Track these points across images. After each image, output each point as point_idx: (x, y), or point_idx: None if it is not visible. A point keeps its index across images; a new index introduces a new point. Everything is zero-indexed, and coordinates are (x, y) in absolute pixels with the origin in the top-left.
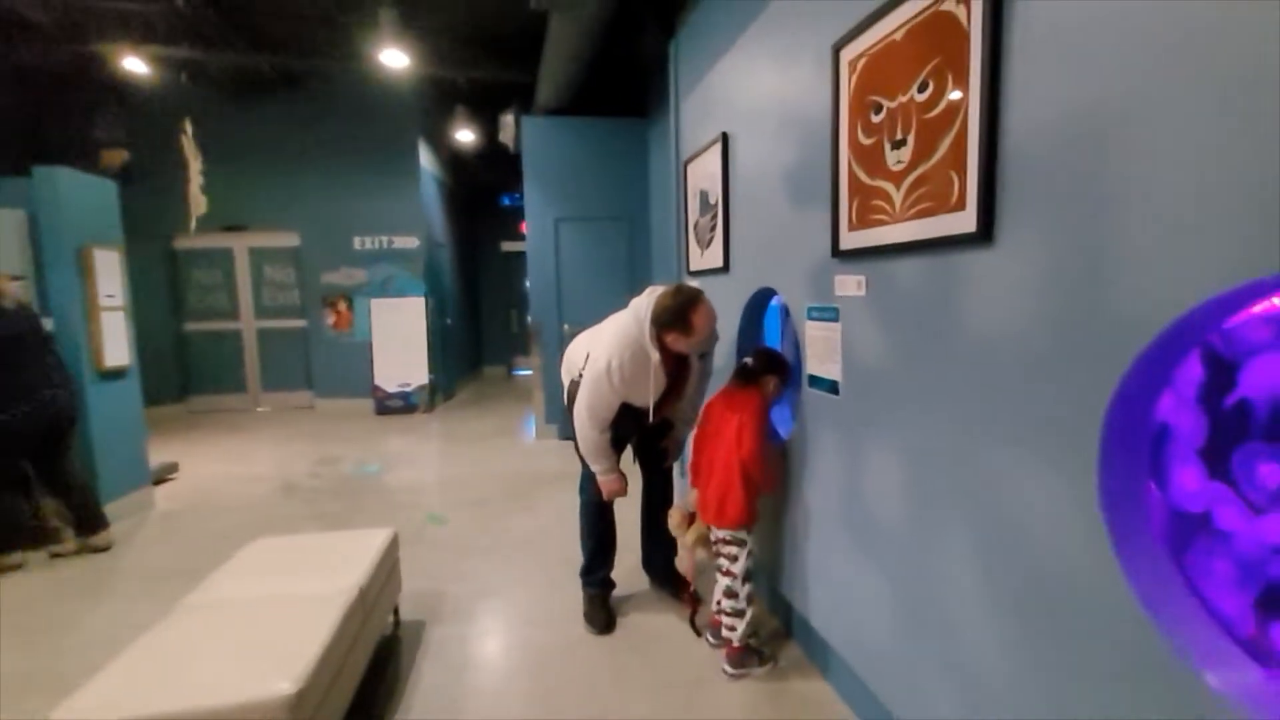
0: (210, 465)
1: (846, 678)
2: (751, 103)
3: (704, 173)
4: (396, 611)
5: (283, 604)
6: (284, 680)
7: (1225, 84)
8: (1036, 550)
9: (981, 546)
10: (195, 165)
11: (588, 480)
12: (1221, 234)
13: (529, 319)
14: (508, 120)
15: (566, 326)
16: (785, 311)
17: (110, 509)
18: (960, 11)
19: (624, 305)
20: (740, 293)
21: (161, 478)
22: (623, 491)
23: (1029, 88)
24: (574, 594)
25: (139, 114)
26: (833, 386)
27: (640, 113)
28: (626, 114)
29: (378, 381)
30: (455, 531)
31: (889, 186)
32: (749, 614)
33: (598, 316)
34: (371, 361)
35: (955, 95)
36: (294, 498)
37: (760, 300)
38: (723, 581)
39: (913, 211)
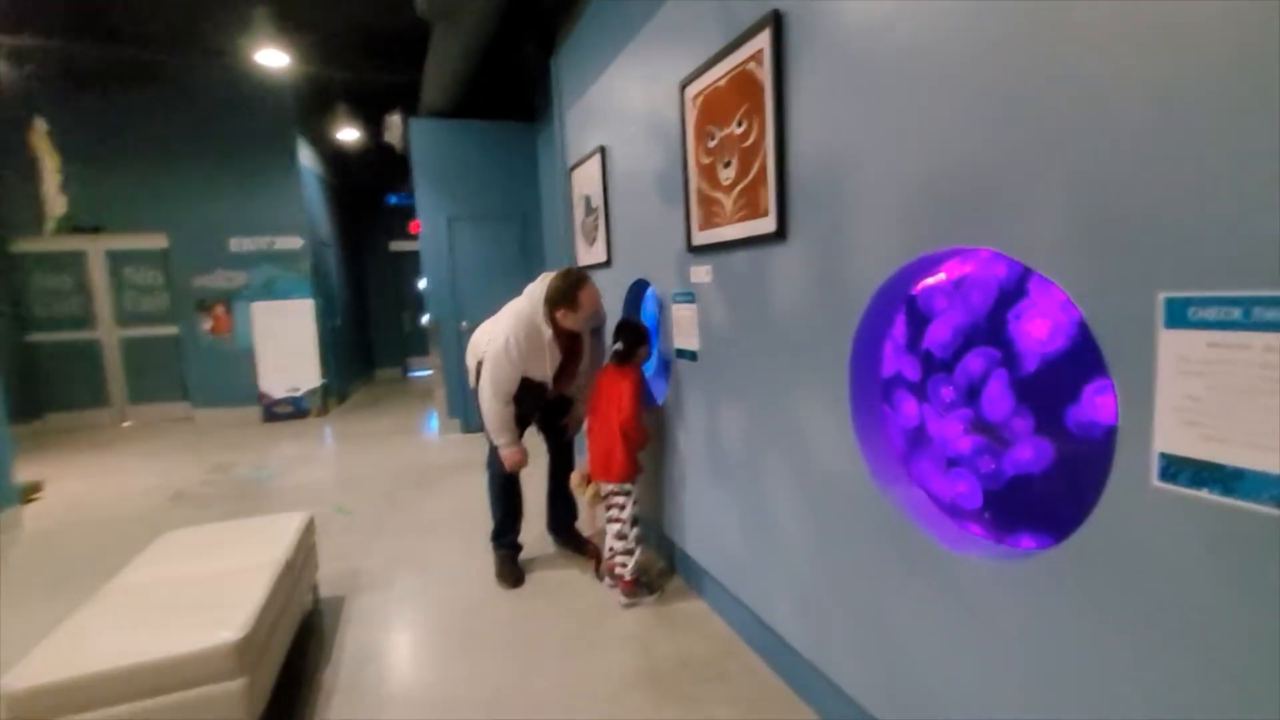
0: (81, 482)
1: (717, 592)
2: (623, 120)
3: (586, 178)
4: (315, 589)
5: (212, 578)
6: (227, 630)
7: (903, 135)
8: (822, 464)
9: (791, 466)
10: (51, 164)
11: (494, 455)
12: (899, 229)
13: (426, 318)
14: (394, 120)
15: (464, 324)
16: (658, 299)
17: None
18: (758, 71)
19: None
20: (621, 283)
21: (24, 499)
22: (523, 463)
23: (801, 131)
24: (485, 560)
25: None
26: (694, 355)
27: (528, 116)
28: (514, 117)
29: (263, 387)
30: (365, 520)
31: (723, 196)
32: (637, 553)
33: (495, 313)
34: (255, 367)
35: (757, 132)
36: (187, 505)
37: (638, 289)
38: (613, 527)
39: (738, 216)
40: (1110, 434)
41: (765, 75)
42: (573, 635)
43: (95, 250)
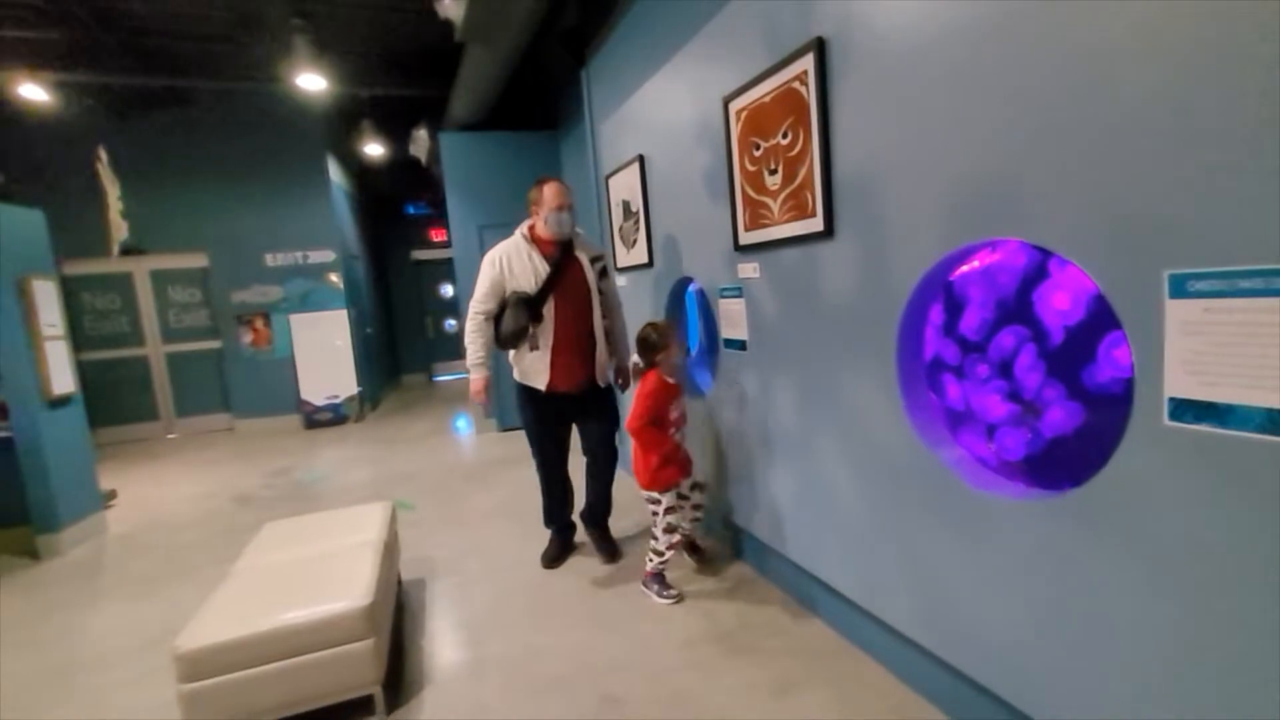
0: (146, 489)
1: (777, 563)
2: (664, 132)
3: (624, 185)
4: (399, 573)
5: (323, 557)
6: (356, 597)
7: (938, 142)
8: (872, 434)
9: (842, 437)
10: (113, 191)
11: (531, 437)
12: (936, 225)
13: (457, 324)
14: (421, 135)
15: None
16: (701, 294)
17: (66, 535)
18: (803, 89)
19: None
20: (664, 281)
21: (103, 505)
22: (482, 395)
23: (844, 141)
24: (545, 543)
25: (28, 137)
26: (742, 345)
27: (551, 125)
28: (538, 126)
29: (304, 395)
30: (425, 514)
31: (769, 200)
32: (666, 556)
33: None
34: (296, 376)
35: (803, 143)
36: (252, 507)
37: (679, 287)
38: (655, 530)
39: (786, 217)
40: (1128, 387)
41: (810, 93)
42: (639, 605)
43: (140, 270)
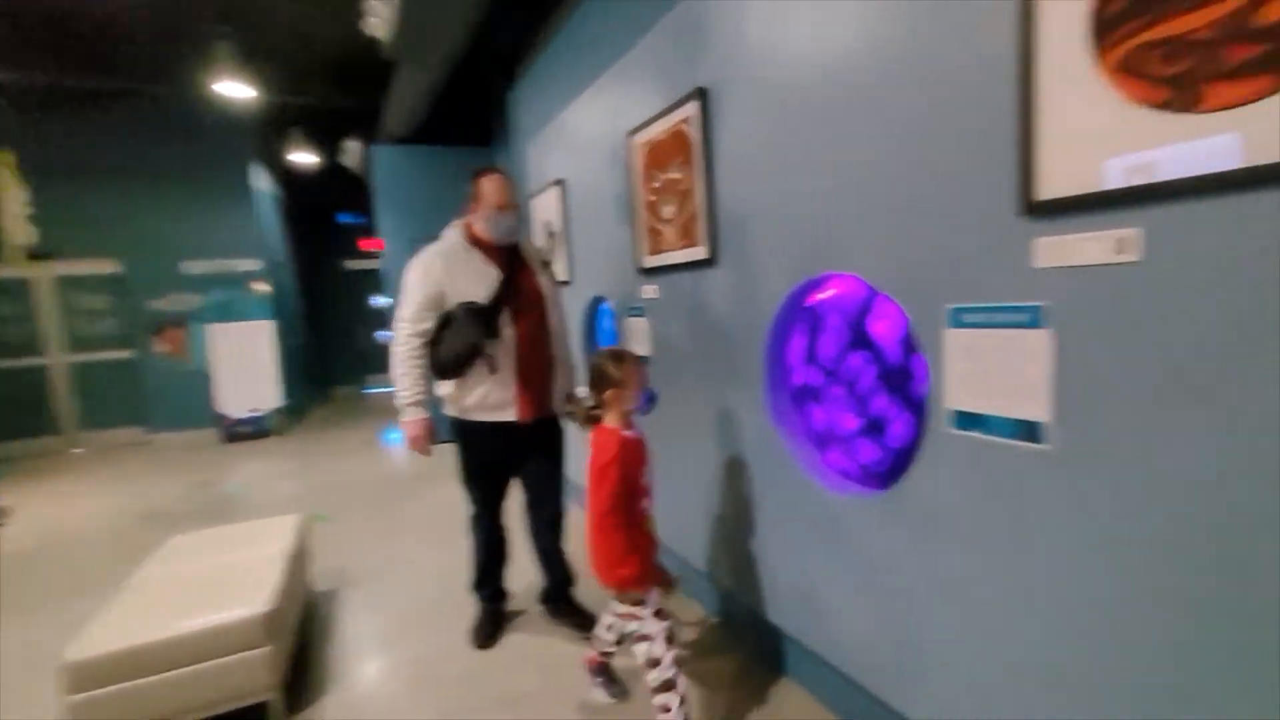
0: (47, 507)
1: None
2: (581, 158)
3: (546, 207)
4: (311, 583)
5: (227, 568)
6: (255, 605)
7: (792, 187)
8: (745, 446)
9: (724, 448)
10: (16, 194)
11: (469, 492)
12: (792, 258)
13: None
14: (353, 145)
15: None
16: (612, 312)
17: None
18: (689, 131)
19: None
20: (581, 299)
21: None
22: (423, 445)
23: (724, 180)
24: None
25: None
26: (646, 360)
27: (485, 140)
28: (472, 141)
29: (225, 408)
30: (348, 526)
31: (666, 228)
32: (681, 684)
33: None
34: (213, 388)
35: (690, 179)
36: (162, 522)
37: (594, 305)
38: (640, 649)
39: (680, 244)
40: (927, 402)
41: (695, 136)
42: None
43: (44, 276)
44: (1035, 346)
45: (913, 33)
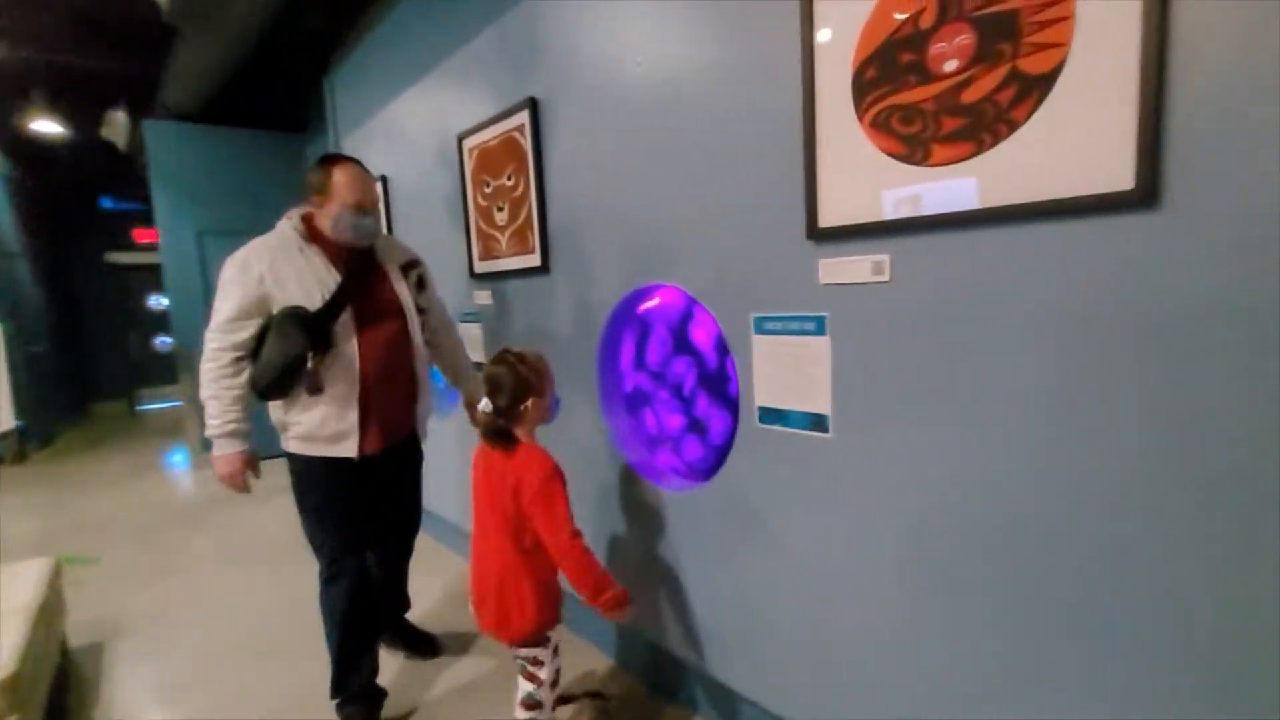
0: None
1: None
2: (408, 156)
3: None
4: (65, 639)
5: None
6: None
7: (618, 198)
8: (580, 450)
9: (559, 453)
10: None
11: (320, 547)
12: (620, 267)
13: (166, 341)
14: (118, 117)
15: None
16: None
17: None
18: (522, 140)
19: None
20: None
21: None
22: (238, 483)
23: (555, 189)
24: (274, 589)
25: None
26: (479, 367)
27: (297, 126)
28: (281, 125)
29: None
30: (115, 566)
31: (498, 234)
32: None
33: None
34: None
35: (524, 187)
36: None
37: None
38: (524, 687)
39: (512, 251)
40: (738, 400)
41: (527, 145)
42: None
43: None
44: (820, 351)
45: (727, 73)
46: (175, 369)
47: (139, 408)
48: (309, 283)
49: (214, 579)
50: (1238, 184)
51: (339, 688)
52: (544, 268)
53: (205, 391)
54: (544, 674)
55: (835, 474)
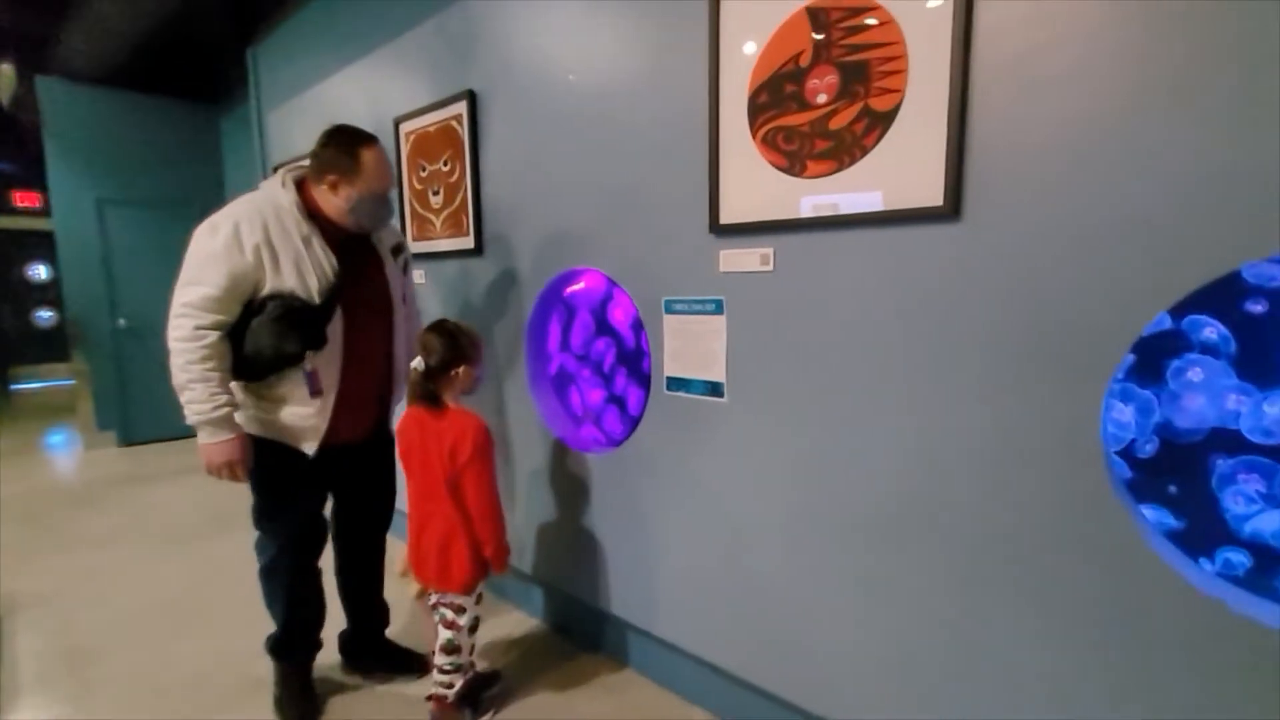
0: None
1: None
2: None
3: None
4: None
5: None
6: None
7: (547, 187)
8: (512, 426)
9: (513, 423)
10: None
11: (268, 531)
12: (548, 252)
13: (47, 315)
14: (4, 70)
15: (122, 322)
16: None
17: None
18: (459, 129)
19: None
20: None
21: None
22: (236, 470)
23: (490, 176)
24: (183, 561)
25: None
26: None
27: (211, 97)
28: (194, 94)
29: None
30: (6, 544)
31: (433, 217)
32: (472, 670)
33: (163, 310)
34: None
35: (459, 173)
36: None
37: None
38: (444, 634)
39: (446, 233)
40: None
41: (464, 134)
42: None
43: None
44: (718, 328)
45: (648, 88)
46: (64, 345)
47: (14, 388)
48: (307, 270)
49: (118, 556)
50: (1018, 204)
51: (290, 646)
52: (478, 250)
53: (186, 375)
54: (464, 620)
55: (729, 433)
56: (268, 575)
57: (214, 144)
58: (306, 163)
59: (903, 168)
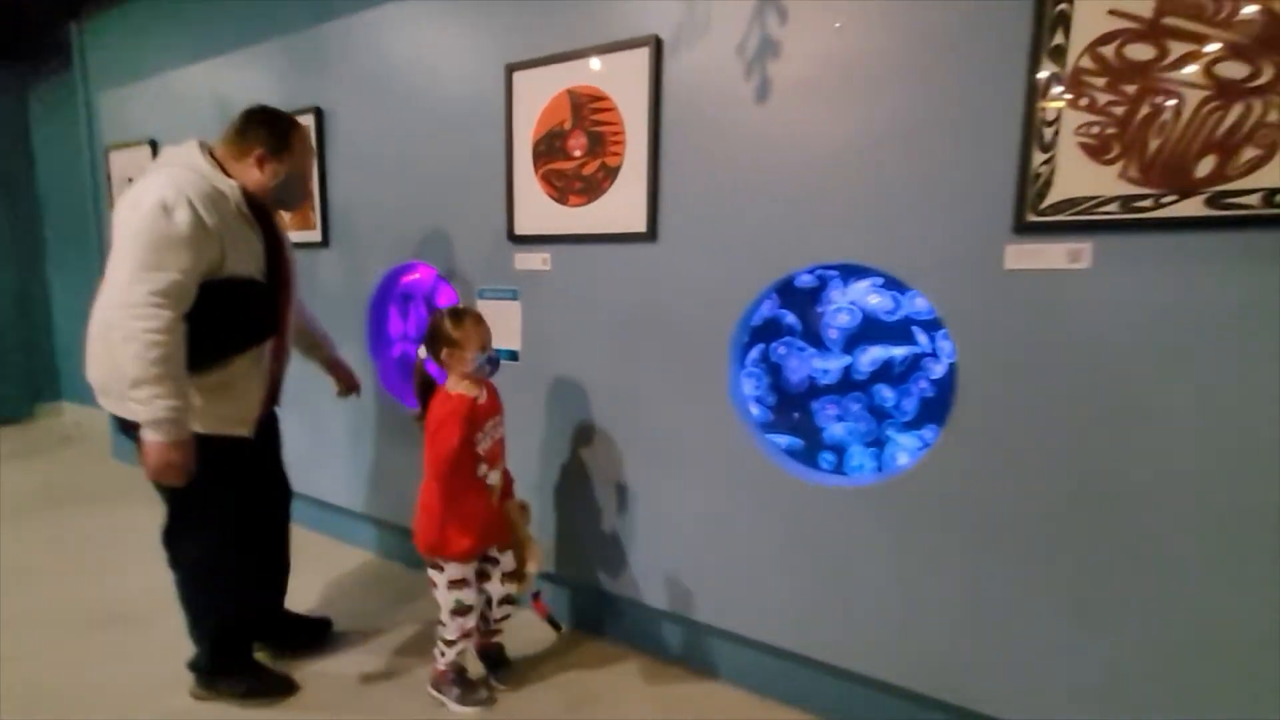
0: None
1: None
2: (184, 128)
3: (133, 164)
4: None
5: None
6: None
7: (379, 191)
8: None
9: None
10: None
11: (190, 524)
12: (385, 247)
13: None
14: None
15: None
16: None
17: None
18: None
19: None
20: None
21: None
22: (179, 472)
23: (335, 180)
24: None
25: None
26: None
27: (13, 57)
28: None
29: None
30: None
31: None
32: (458, 646)
33: None
34: None
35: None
36: None
37: None
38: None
39: (296, 227)
40: None
41: (311, 141)
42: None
43: None
44: (515, 311)
45: (467, 123)
46: None
47: None
48: (254, 249)
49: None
50: (686, 231)
51: (236, 658)
52: (324, 242)
53: (158, 369)
54: (438, 596)
55: (525, 388)
56: (185, 581)
57: (18, 110)
58: (204, 139)
59: (625, 205)
